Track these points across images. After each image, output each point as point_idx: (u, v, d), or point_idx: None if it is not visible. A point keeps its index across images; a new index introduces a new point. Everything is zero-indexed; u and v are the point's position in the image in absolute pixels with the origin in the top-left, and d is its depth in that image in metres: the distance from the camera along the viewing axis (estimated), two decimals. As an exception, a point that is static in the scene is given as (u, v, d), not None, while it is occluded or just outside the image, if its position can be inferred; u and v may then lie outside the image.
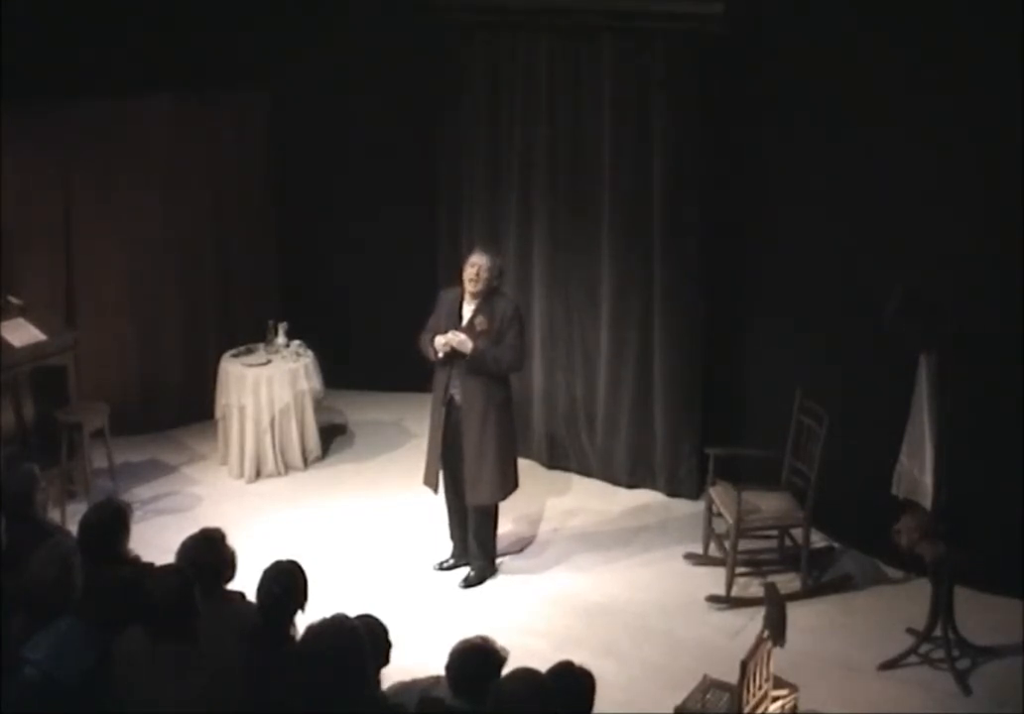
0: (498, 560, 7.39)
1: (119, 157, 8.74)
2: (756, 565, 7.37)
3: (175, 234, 9.05)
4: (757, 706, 5.41)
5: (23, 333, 7.85)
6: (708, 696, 5.59)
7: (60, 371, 8.00)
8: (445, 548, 7.43)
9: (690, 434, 8.09)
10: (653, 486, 8.32)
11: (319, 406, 8.80)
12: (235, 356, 8.64)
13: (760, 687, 5.42)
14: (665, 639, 6.75)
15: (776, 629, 5.43)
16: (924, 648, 6.48)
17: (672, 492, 8.24)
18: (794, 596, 6.82)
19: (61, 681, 4.16)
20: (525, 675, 4.10)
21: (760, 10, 7.32)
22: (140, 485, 8.39)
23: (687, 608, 7.01)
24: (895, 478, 6.43)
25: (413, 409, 9.13)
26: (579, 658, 4.41)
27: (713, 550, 7.38)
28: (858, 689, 6.26)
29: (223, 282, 9.41)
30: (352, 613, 4.38)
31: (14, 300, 8.03)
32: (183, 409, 9.25)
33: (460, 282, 6.99)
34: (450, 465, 7.12)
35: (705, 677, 5.71)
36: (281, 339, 8.70)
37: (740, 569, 7.17)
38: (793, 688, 5.69)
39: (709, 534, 7.38)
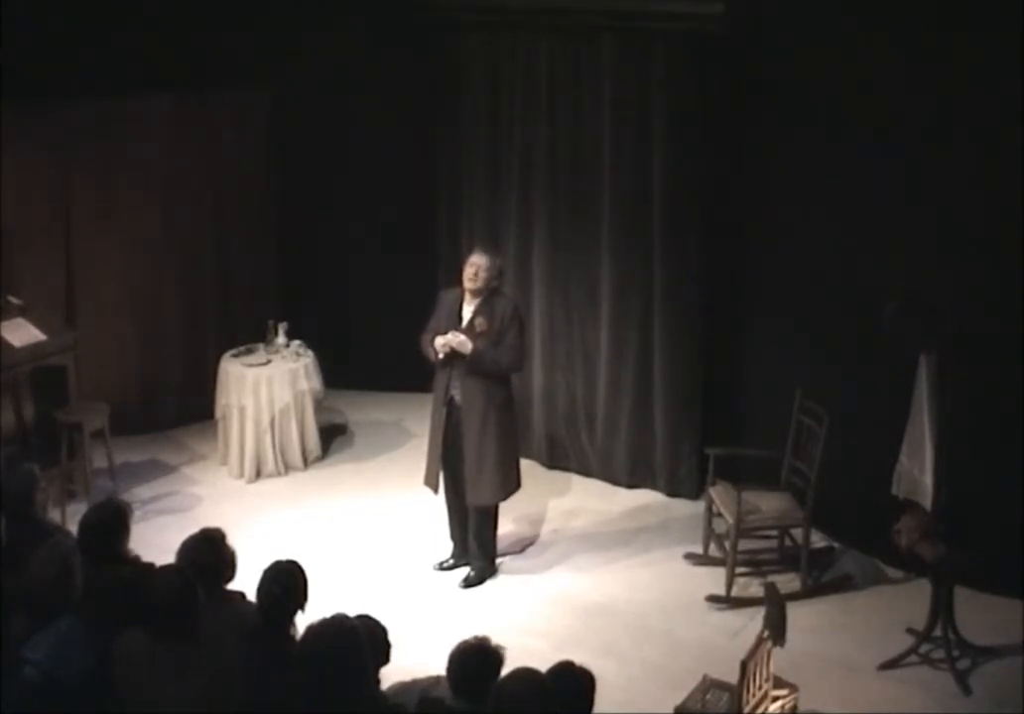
0: (498, 560, 7.39)
1: (119, 157, 8.74)
2: (756, 565, 7.37)
3: (175, 234, 9.05)
4: (757, 706, 5.41)
5: (23, 333, 7.85)
6: (708, 696, 5.58)
7: (60, 371, 8.00)
8: (445, 548, 7.43)
9: (690, 434, 8.09)
10: (653, 486, 8.32)
11: (319, 406, 8.80)
12: (235, 356, 8.64)
13: (760, 687, 5.42)
14: (665, 639, 6.75)
15: (776, 629, 5.43)
16: (924, 648, 6.48)
17: (672, 492, 8.24)
18: (794, 596, 6.82)
19: (61, 681, 4.16)
20: (525, 675, 4.11)
21: (760, 10, 7.32)
22: (140, 485, 8.39)
23: (687, 608, 7.01)
24: (895, 478, 6.43)
25: (413, 409, 9.13)
26: (579, 658, 4.41)
27: (713, 550, 7.38)
28: (858, 689, 6.26)
29: (223, 282, 9.41)
30: (352, 613, 4.38)
31: (14, 300, 8.03)
32: (183, 409, 9.25)
33: (460, 283, 6.99)
34: (450, 465, 7.11)
35: (705, 677, 5.71)
36: (281, 339, 8.70)
37: (740, 569, 7.17)
38: (793, 688, 5.69)
39: (709, 534, 7.38)
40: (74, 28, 8.26)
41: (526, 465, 7.95)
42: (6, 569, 4.79)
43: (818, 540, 7.39)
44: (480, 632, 4.41)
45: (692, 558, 7.48)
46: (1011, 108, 6.38)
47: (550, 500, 8.22)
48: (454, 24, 8.36)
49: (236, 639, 4.46)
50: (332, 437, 9.12)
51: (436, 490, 7.23)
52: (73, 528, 5.29)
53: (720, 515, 7.19)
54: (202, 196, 9.14)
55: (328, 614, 4.21)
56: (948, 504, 6.25)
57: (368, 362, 9.48)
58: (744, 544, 7.18)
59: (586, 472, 8.54)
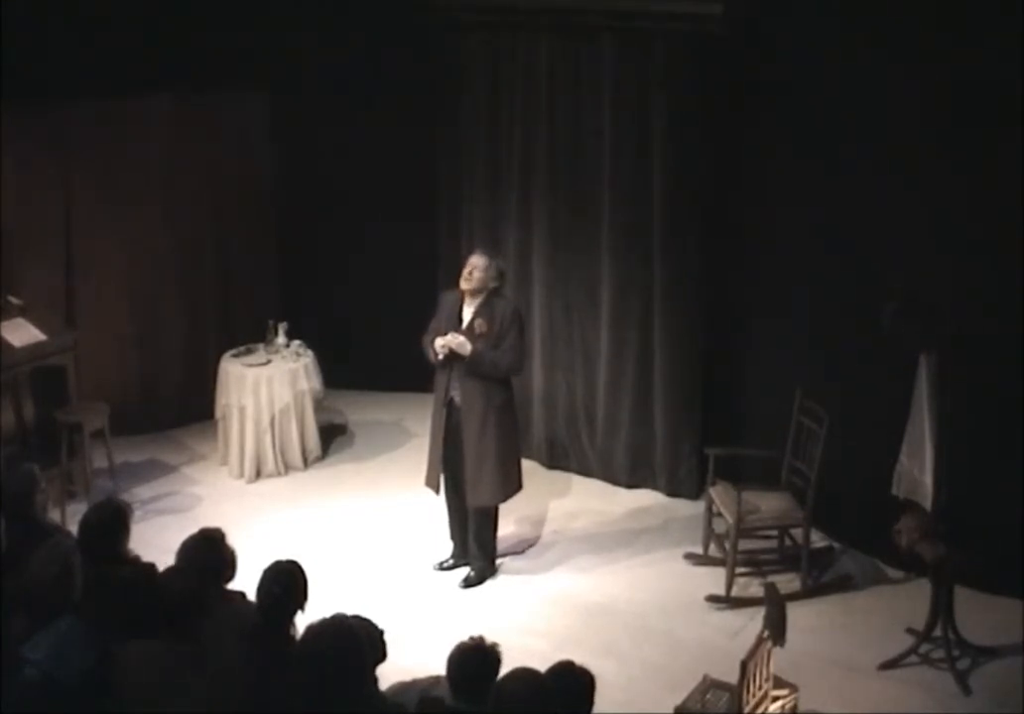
0: (498, 560, 7.39)
1: (119, 157, 8.74)
2: (756, 565, 7.37)
3: (175, 234, 9.05)
4: (757, 706, 5.41)
5: (23, 333, 7.85)
6: (708, 696, 5.59)
7: (60, 371, 8.00)
8: (445, 548, 7.43)
9: (690, 434, 8.09)
10: (653, 486, 8.32)
11: (319, 406, 8.80)
12: (235, 356, 8.64)
13: (760, 687, 5.42)
14: (665, 639, 6.75)
15: (776, 629, 5.43)
16: (924, 648, 6.48)
17: (672, 492, 8.24)
18: (794, 596, 6.82)
19: (61, 681, 4.16)
20: (525, 675, 4.11)
21: (760, 10, 7.32)
22: (140, 485, 8.39)
23: (687, 608, 7.01)
24: (895, 478, 6.44)
25: (413, 409, 9.14)
26: (579, 658, 4.41)
27: (713, 550, 7.38)
28: (858, 689, 6.26)
29: (223, 282, 9.41)
30: (351, 613, 4.38)
31: (14, 300, 8.03)
32: (183, 409, 9.25)
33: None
34: (451, 466, 7.11)
35: (705, 677, 5.71)
36: (281, 339, 8.70)
37: (740, 569, 7.17)
38: (793, 688, 5.70)
39: (709, 534, 7.38)
40: (74, 28, 8.25)
41: (526, 465, 7.95)
42: (6, 569, 4.79)
43: (818, 540, 7.39)
44: (480, 632, 4.42)
45: (692, 558, 7.48)
46: (1011, 108, 6.38)
47: (550, 500, 8.22)
48: (454, 24, 8.36)
49: (236, 639, 4.46)
50: (332, 437, 9.12)
51: (437, 491, 7.23)
52: (73, 528, 5.29)
53: (720, 515, 7.19)
54: (202, 196, 9.14)
55: (327, 614, 4.21)
56: (948, 504, 6.25)
57: (368, 362, 9.48)
58: (744, 544, 7.18)
59: (586, 472, 8.54)
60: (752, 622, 6.46)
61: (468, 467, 7.01)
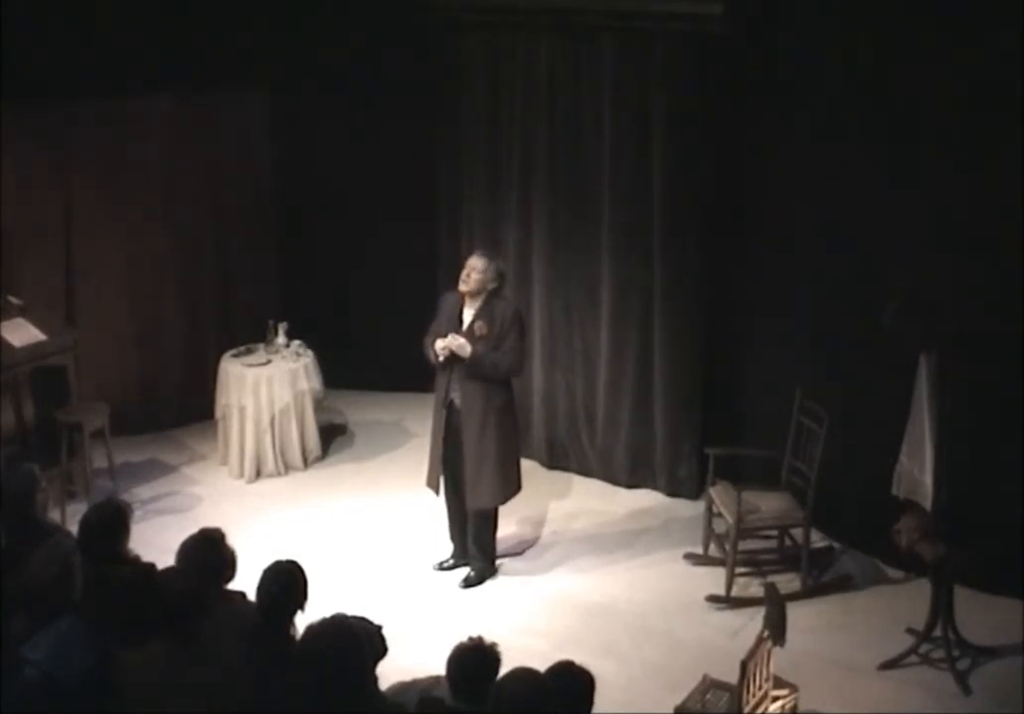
0: (498, 560, 7.39)
1: (119, 157, 8.74)
2: (756, 565, 7.37)
3: (175, 234, 9.05)
4: (757, 706, 5.41)
5: (23, 333, 7.85)
6: (708, 696, 5.58)
7: (60, 371, 8.00)
8: (445, 548, 7.43)
9: (690, 434, 8.09)
10: (653, 486, 8.32)
11: (319, 406, 8.80)
12: (235, 356, 8.64)
13: (760, 687, 5.42)
14: (665, 639, 6.75)
15: (776, 629, 5.43)
16: (924, 648, 6.48)
17: (672, 492, 8.24)
18: (794, 596, 6.82)
19: (61, 681, 4.16)
20: (525, 675, 4.11)
21: (760, 10, 7.32)
22: (140, 485, 8.39)
23: (687, 608, 7.01)
24: (895, 478, 6.43)
25: (413, 409, 9.14)
26: (579, 658, 4.40)
27: (713, 550, 7.38)
28: (858, 689, 6.26)
29: (223, 282, 9.41)
30: (350, 613, 4.38)
31: (14, 300, 8.03)
32: (183, 409, 9.25)
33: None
34: (451, 468, 7.11)
35: (705, 677, 5.71)
36: (281, 339, 8.70)
37: (740, 569, 7.17)
38: (793, 688, 5.69)
39: (709, 534, 7.38)
40: (74, 28, 8.25)
41: (526, 465, 7.95)
42: (6, 569, 4.79)
43: (818, 540, 7.39)
44: (480, 632, 4.42)
45: (692, 558, 7.48)
46: (1011, 108, 6.38)
47: (550, 500, 8.22)
48: (454, 24, 8.36)
49: (236, 639, 4.46)
50: (332, 437, 9.12)
51: (437, 492, 7.23)
52: (73, 528, 5.29)
53: (720, 515, 7.18)
54: (202, 196, 9.14)
55: (327, 614, 4.21)
56: (948, 504, 6.25)
57: (368, 362, 9.48)
58: (744, 544, 7.19)
59: (586, 472, 8.54)
60: (752, 622, 6.46)
61: (467, 468, 7.00)
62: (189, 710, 4.24)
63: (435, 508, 7.48)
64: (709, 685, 5.65)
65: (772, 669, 5.51)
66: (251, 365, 8.52)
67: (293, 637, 4.45)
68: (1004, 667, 6.43)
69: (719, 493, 7.21)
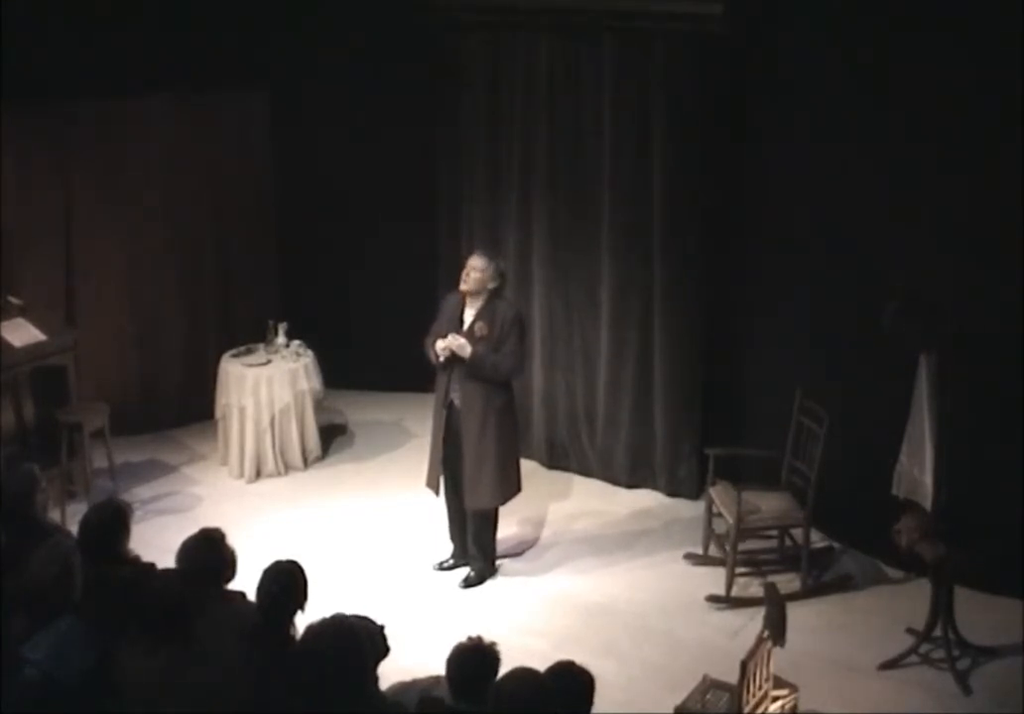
0: (498, 561, 7.39)
1: (119, 157, 8.74)
2: (756, 565, 7.37)
3: (175, 234, 9.05)
4: (757, 706, 5.41)
5: (23, 333, 7.85)
6: (708, 696, 5.58)
7: (60, 371, 7.99)
8: (445, 548, 7.43)
9: (690, 434, 8.09)
10: (653, 486, 8.32)
11: (319, 406, 8.80)
12: (235, 356, 8.64)
13: (760, 687, 5.42)
14: (665, 639, 6.75)
15: (776, 629, 5.43)
16: (924, 648, 6.48)
17: (672, 492, 8.24)
18: (794, 596, 6.82)
19: (61, 681, 4.17)
20: (525, 675, 4.11)
21: (760, 10, 7.32)
22: (140, 485, 8.39)
23: (687, 608, 7.01)
24: (895, 478, 6.43)
25: (413, 409, 9.14)
26: (579, 658, 4.40)
27: (713, 550, 7.38)
28: (858, 689, 6.26)
29: (223, 282, 9.41)
30: (350, 613, 4.38)
31: (14, 300, 8.02)
32: (183, 409, 9.25)
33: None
34: (450, 468, 7.11)
35: (705, 677, 5.70)
36: (281, 339, 8.70)
37: (740, 569, 7.17)
38: (793, 688, 5.69)
39: (709, 534, 7.38)
40: (74, 28, 8.25)
41: (527, 465, 7.95)
42: (6, 569, 4.79)
43: (818, 540, 7.39)
44: (480, 632, 4.42)
45: (692, 558, 7.48)
46: (1012, 108, 6.38)
47: (550, 501, 8.22)
48: (454, 24, 8.36)
49: (236, 639, 4.46)
50: (332, 437, 9.12)
51: (437, 492, 7.22)
52: (73, 528, 5.29)
53: (720, 515, 7.18)
54: (202, 196, 9.14)
55: (328, 614, 4.21)
56: (948, 504, 6.25)
57: (368, 362, 9.48)
58: (744, 544, 7.18)
59: (586, 472, 8.54)
60: (752, 622, 6.46)
61: (467, 469, 7.00)
62: (189, 710, 4.24)
63: (435, 508, 7.47)
64: (709, 685, 5.65)
65: (772, 669, 5.51)
66: (251, 365, 8.52)
67: (293, 637, 4.45)
68: (1004, 667, 6.43)
69: (719, 493, 7.21)
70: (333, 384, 8.97)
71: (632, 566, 7.48)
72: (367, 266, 9.49)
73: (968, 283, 6.60)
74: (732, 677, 5.36)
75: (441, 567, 7.41)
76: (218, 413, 8.61)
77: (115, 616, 4.42)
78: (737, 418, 8.02)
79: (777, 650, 5.49)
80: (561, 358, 8.45)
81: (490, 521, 7.24)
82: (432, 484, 7.21)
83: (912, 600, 6.76)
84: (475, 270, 6.87)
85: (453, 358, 6.87)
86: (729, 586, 7.05)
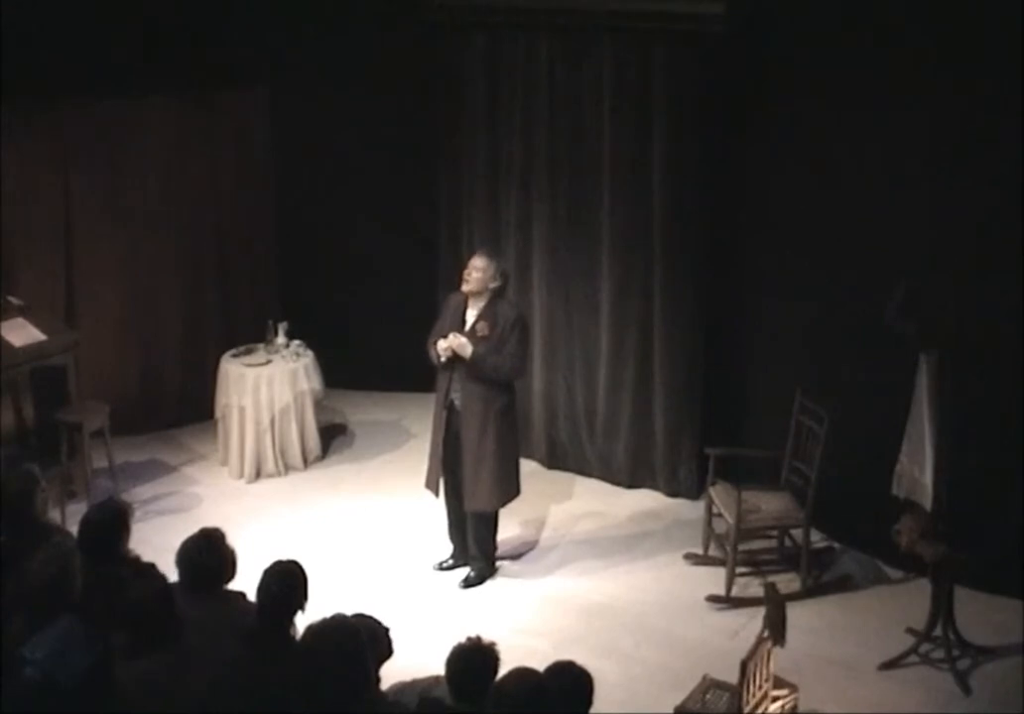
0: (498, 561, 7.39)
1: (119, 157, 8.74)
2: (756, 565, 7.37)
3: (175, 234, 9.05)
4: (757, 706, 5.41)
5: (23, 333, 7.85)
6: (708, 696, 5.58)
7: (60, 371, 7.99)
8: (445, 548, 7.42)
9: (690, 434, 8.09)
10: (653, 486, 8.32)
11: (319, 406, 8.80)
12: (235, 356, 8.64)
13: (760, 687, 5.42)
14: (665, 639, 6.75)
15: (776, 629, 5.43)
16: (924, 648, 6.48)
17: (672, 492, 8.24)
18: (794, 596, 6.82)
19: (61, 681, 4.16)
20: (524, 675, 4.11)
21: (760, 10, 7.32)
22: (140, 485, 8.38)
23: (687, 608, 7.01)
24: (895, 478, 6.43)
25: (413, 409, 9.14)
26: (579, 658, 4.41)
27: (713, 550, 7.38)
28: (858, 689, 6.27)
29: (223, 282, 9.40)
30: (351, 613, 4.38)
31: (14, 300, 8.03)
32: (183, 409, 9.25)
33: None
34: (450, 469, 7.10)
35: (705, 677, 5.70)
36: (281, 339, 8.70)
37: (740, 569, 7.17)
38: (793, 688, 5.69)
39: (709, 534, 7.38)
40: (75, 28, 8.25)
41: (527, 466, 7.96)
42: (6, 569, 4.79)
43: (818, 540, 7.39)
44: (480, 632, 4.42)
45: (692, 558, 7.48)
46: (1012, 108, 6.38)
47: (550, 501, 8.21)
48: (454, 24, 8.36)
49: (236, 639, 4.46)
50: (332, 437, 9.12)
51: (437, 494, 7.22)
52: (73, 528, 5.29)
53: (720, 515, 7.18)
54: (202, 196, 9.14)
55: (328, 614, 4.21)
56: (948, 504, 6.25)
57: (368, 362, 9.48)
58: (744, 544, 7.19)
59: (586, 473, 8.54)
60: (752, 622, 6.45)
61: (466, 471, 6.99)
62: (188, 710, 4.24)
63: (435, 508, 7.47)
64: (709, 685, 5.65)
65: (772, 669, 5.52)
66: (251, 365, 8.52)
67: (293, 637, 4.45)
68: (1004, 667, 6.43)
69: (719, 493, 7.21)
70: (333, 384, 8.96)
71: (632, 566, 7.47)
72: (367, 266, 9.48)
73: (968, 283, 6.60)
74: (732, 677, 5.36)
75: (441, 567, 7.40)
76: (218, 413, 8.61)
77: (114, 616, 4.42)
78: (737, 418, 8.02)
79: (777, 650, 5.49)
80: (561, 358, 8.45)
81: (490, 522, 7.23)
82: (432, 485, 7.20)
83: (912, 600, 6.77)
84: (476, 270, 6.87)
85: (454, 358, 6.86)
86: (729, 586, 7.05)
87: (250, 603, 4.69)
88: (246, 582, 4.78)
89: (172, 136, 8.90)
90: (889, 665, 6.43)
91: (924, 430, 6.19)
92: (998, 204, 6.57)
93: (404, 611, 6.73)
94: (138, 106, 8.71)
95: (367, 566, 7.43)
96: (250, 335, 8.81)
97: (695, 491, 8.11)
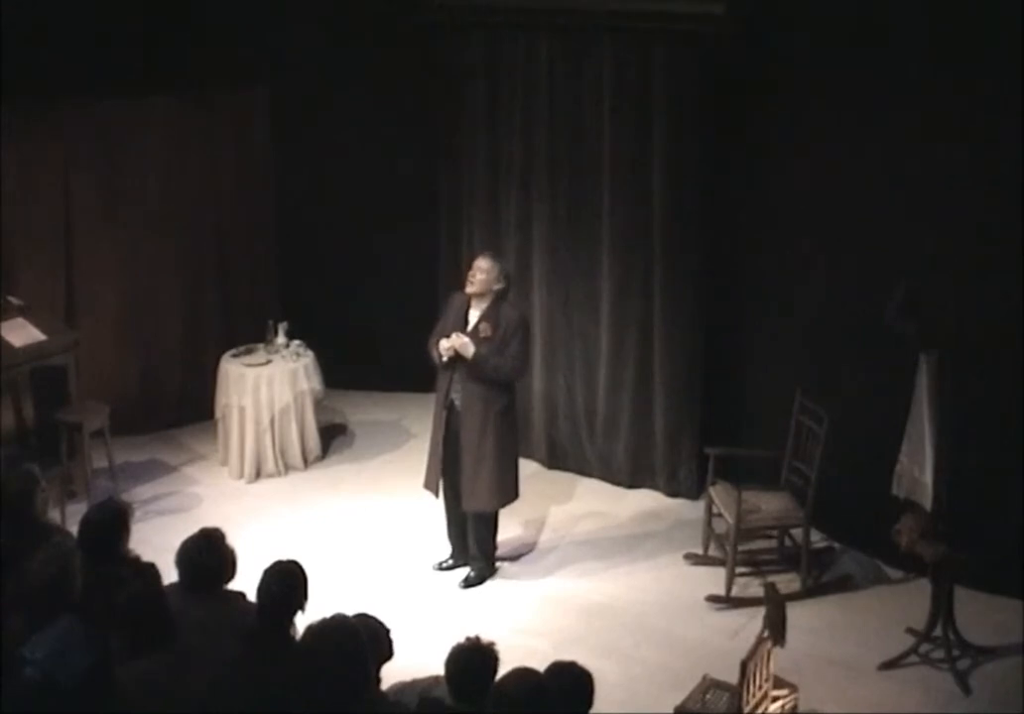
0: (498, 562, 7.38)
1: (119, 157, 8.74)
2: (756, 565, 7.37)
3: (175, 234, 9.04)
4: (757, 706, 5.41)
5: (23, 333, 7.85)
6: (708, 696, 5.58)
7: (60, 371, 7.99)
8: (445, 548, 7.42)
9: (690, 434, 8.09)
10: (653, 486, 8.32)
11: (319, 406, 8.80)
12: (235, 356, 8.63)
13: (760, 687, 5.42)
14: (665, 639, 6.75)
15: (776, 629, 5.43)
16: (924, 648, 6.48)
17: (672, 492, 8.24)
18: (794, 596, 6.82)
19: (61, 681, 4.16)
20: (524, 675, 4.11)
21: (760, 10, 7.32)
22: (140, 485, 8.38)
23: (687, 608, 7.01)
24: (895, 478, 6.43)
25: (413, 409, 9.14)
26: (579, 658, 4.41)
27: (713, 550, 7.39)
28: (858, 689, 6.27)
29: (223, 282, 9.40)
30: (351, 613, 4.38)
31: (14, 300, 8.02)
32: (183, 409, 9.24)
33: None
34: (449, 469, 7.09)
35: (705, 677, 5.70)
36: (281, 339, 8.70)
37: (740, 569, 7.17)
38: (793, 688, 5.69)
39: (709, 534, 7.38)
40: (75, 28, 8.26)
41: (527, 466, 7.96)
42: (6, 569, 4.79)
43: (818, 540, 7.39)
44: (480, 632, 4.42)
45: (692, 558, 7.47)
46: (1012, 108, 6.38)
47: (550, 501, 8.21)
48: (454, 24, 8.36)
49: (236, 639, 4.46)
50: (332, 437, 9.12)
51: (436, 494, 7.21)
52: (73, 528, 5.29)
53: (720, 515, 7.18)
54: (202, 196, 9.14)
55: (328, 614, 4.21)
56: (948, 504, 6.25)
57: (368, 362, 9.48)
58: (744, 544, 7.19)
59: (586, 472, 8.54)
60: (752, 622, 6.45)
61: (465, 471, 6.99)
62: (188, 710, 4.24)
63: (435, 508, 7.46)
64: (709, 685, 5.65)
65: (772, 669, 5.52)
66: (251, 365, 8.52)
67: (293, 637, 4.45)
68: (1004, 667, 6.43)
69: (719, 493, 7.21)
70: (333, 384, 8.96)
71: (632, 566, 7.47)
72: (367, 266, 9.48)
73: (968, 283, 6.60)
74: (732, 677, 5.36)
75: (441, 567, 7.40)
76: (218, 413, 8.61)
77: (106, 618, 4.42)
78: (737, 418, 8.02)
79: (777, 650, 5.49)
80: (561, 359, 8.45)
81: (490, 522, 7.23)
82: (431, 485, 7.20)
83: (912, 600, 6.77)
84: (481, 271, 6.86)
85: (456, 358, 6.86)
86: (729, 586, 7.05)
87: (250, 603, 4.69)
88: (246, 582, 4.78)
89: (172, 136, 8.90)
90: (889, 665, 6.43)
91: (924, 430, 6.19)
92: (998, 204, 6.57)
93: (404, 611, 6.72)
94: (138, 106, 8.71)
95: (367, 566, 7.43)
96: (250, 335, 8.81)
97: (695, 491, 8.11)
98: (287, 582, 4.53)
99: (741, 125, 7.68)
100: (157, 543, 5.78)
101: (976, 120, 6.52)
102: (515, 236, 8.41)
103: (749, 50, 7.45)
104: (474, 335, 6.86)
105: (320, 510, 8.11)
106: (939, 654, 6.43)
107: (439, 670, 4.38)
